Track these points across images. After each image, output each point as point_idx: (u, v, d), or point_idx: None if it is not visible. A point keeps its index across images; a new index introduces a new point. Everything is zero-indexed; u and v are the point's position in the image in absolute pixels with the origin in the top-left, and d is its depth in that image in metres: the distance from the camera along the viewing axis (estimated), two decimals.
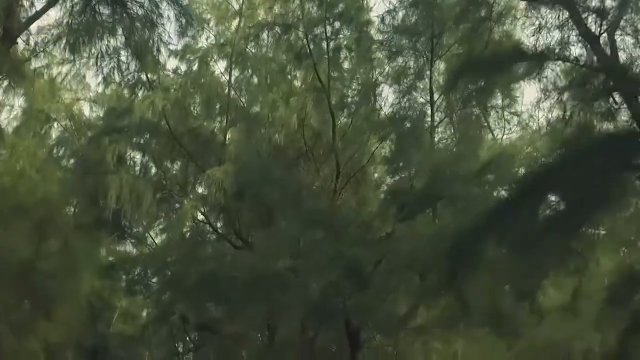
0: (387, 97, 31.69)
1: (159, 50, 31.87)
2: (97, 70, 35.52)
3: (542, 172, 19.15)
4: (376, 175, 35.31)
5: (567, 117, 20.72)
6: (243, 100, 36.92)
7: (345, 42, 32.22)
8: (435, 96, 29.94)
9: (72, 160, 38.41)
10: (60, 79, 37.45)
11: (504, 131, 32.37)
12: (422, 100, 30.27)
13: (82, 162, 37.11)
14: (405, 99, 29.44)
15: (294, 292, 26.96)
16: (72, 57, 35.52)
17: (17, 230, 27.28)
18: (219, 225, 38.94)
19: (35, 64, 35.90)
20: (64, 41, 34.50)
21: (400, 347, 28.22)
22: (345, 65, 32.91)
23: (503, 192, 26.87)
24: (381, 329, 27.82)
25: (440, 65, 30.65)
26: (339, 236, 26.84)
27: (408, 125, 28.54)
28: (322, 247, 26.64)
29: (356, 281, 26.05)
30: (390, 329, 27.37)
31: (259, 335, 35.74)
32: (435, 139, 29.47)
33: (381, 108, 32.11)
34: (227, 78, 36.27)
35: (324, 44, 31.59)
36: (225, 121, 35.99)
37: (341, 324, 27.51)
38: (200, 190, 37.04)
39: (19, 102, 38.26)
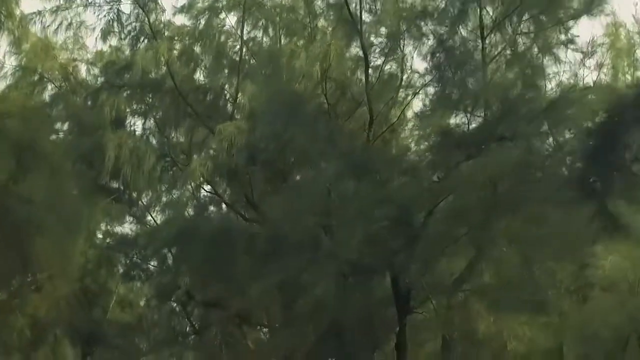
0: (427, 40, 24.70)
1: None
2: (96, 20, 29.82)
3: None
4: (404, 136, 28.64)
5: None
6: (256, 51, 30.06)
7: None
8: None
9: (67, 122, 31.51)
10: (53, 29, 30.53)
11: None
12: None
13: (78, 122, 30.47)
14: (454, 35, 22.79)
15: (326, 249, 20.36)
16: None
17: None
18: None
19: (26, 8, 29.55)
20: None
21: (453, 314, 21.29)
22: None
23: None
24: (437, 289, 20.98)
25: None
26: (382, 182, 20.18)
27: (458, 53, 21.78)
28: (363, 194, 19.96)
29: (405, 233, 19.40)
30: (446, 290, 20.66)
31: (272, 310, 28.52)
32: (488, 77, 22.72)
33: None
34: (239, 29, 29.57)
35: None
36: (237, 75, 29.26)
37: (384, 285, 20.79)
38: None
39: (9, 59, 31.50)
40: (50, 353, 29.24)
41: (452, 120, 22.05)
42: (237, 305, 27.36)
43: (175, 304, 32.72)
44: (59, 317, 28.22)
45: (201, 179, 30.21)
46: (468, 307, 20.96)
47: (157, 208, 34.81)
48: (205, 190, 31.62)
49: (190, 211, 32.76)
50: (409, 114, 27.94)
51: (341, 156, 20.54)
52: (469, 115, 21.10)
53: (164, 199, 34.19)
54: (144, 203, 34.38)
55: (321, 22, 29.45)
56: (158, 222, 33.78)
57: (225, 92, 30.45)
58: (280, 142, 22.78)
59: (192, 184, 31.65)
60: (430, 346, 23.46)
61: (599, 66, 28.64)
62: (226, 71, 30.95)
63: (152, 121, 31.72)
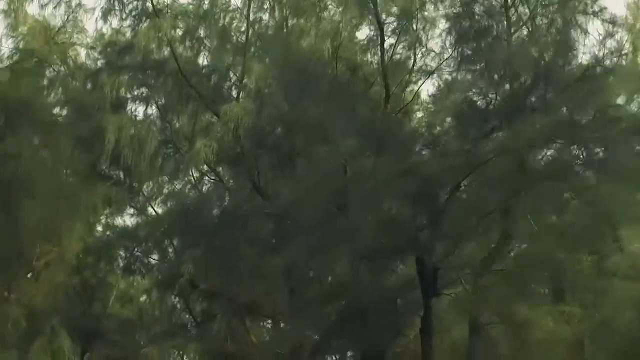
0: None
1: None
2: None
3: None
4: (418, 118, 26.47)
5: None
6: (263, 32, 27.85)
7: None
8: None
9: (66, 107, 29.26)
10: (51, 10, 28.37)
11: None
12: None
13: (76, 106, 28.25)
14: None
15: (343, 229, 18.13)
16: None
17: None
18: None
19: None
20: None
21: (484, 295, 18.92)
22: None
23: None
24: (465, 270, 18.70)
25: None
26: (404, 155, 17.99)
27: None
28: (382, 168, 17.76)
29: (429, 209, 17.22)
30: (476, 270, 18.39)
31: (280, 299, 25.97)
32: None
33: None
34: (245, 9, 27.36)
35: None
36: (243, 56, 27.07)
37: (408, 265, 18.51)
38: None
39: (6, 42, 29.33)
40: (47, 346, 26.88)
41: (477, 91, 19.70)
42: (243, 294, 25.20)
43: (176, 296, 30.53)
44: (55, 308, 26.00)
45: (205, 165, 28.12)
46: (497, 288, 18.68)
47: (158, 200, 32.58)
48: (208, 177, 29.42)
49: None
50: (423, 95, 25.98)
51: (359, 128, 18.26)
52: (496, 85, 18.82)
53: (165, 189, 32.03)
54: (145, 194, 32.19)
55: (330, 2, 27.29)
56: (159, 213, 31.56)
57: (230, 74, 28.21)
58: (292, 116, 20.37)
59: (195, 172, 29.55)
60: (456, 332, 21.20)
61: (620, 47, 26.47)
62: (231, 52, 28.67)
63: (154, 107, 29.44)
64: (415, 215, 17.35)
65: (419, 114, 26.44)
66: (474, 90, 19.25)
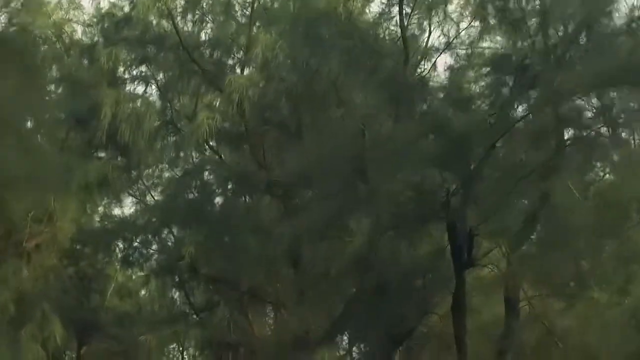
0: None
1: None
2: None
3: None
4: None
5: None
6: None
7: None
8: None
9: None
10: None
11: None
12: None
13: (72, 83, 25.83)
14: None
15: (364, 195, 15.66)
16: None
17: None
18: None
19: None
20: None
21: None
22: None
23: None
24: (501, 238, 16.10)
25: None
26: (430, 114, 15.54)
27: None
28: (409, 128, 15.32)
29: (461, 171, 14.77)
30: (515, 237, 15.85)
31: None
32: None
33: None
34: None
35: None
36: (248, 27, 24.73)
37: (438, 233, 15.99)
38: None
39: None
40: (38, 332, 24.37)
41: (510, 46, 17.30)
42: (249, 277, 22.84)
43: (176, 286, 28.14)
44: (46, 292, 23.57)
45: (207, 148, 25.76)
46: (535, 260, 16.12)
47: (158, 188, 30.24)
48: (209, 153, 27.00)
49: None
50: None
51: (381, 84, 15.79)
52: (534, 36, 16.38)
53: (165, 175, 29.68)
54: (145, 183, 29.86)
55: None
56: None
57: (234, 48, 25.84)
58: (305, 80, 17.93)
59: (196, 155, 27.19)
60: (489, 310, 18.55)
61: None
62: (235, 25, 26.29)
63: (153, 87, 27.07)
64: (445, 179, 14.81)
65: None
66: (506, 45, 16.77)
